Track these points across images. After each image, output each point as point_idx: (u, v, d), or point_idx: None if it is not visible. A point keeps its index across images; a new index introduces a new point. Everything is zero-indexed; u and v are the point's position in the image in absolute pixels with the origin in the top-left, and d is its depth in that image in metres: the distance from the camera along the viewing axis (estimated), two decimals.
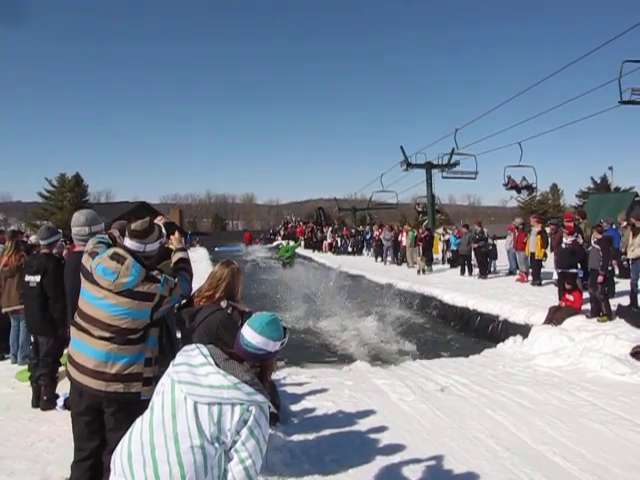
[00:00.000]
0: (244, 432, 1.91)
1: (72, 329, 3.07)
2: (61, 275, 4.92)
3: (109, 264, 2.88)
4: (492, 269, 16.78)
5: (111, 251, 2.95)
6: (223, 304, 3.19)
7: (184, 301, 3.29)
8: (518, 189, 23.06)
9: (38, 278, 5.53)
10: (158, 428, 1.91)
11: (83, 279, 3.01)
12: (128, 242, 3.02)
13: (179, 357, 2.04)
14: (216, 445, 1.89)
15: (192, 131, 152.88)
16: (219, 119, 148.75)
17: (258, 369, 2.09)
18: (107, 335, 2.89)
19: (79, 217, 3.94)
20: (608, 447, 4.77)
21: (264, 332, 2.05)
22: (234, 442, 1.91)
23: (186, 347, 2.09)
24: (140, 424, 1.97)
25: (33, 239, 9.01)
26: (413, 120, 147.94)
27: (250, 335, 2.05)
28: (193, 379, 1.92)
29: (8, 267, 7.06)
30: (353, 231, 32.86)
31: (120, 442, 2.01)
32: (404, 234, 21.73)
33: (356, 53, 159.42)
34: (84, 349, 2.96)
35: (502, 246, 16.99)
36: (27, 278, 5.67)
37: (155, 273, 2.97)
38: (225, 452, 1.93)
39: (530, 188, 23.31)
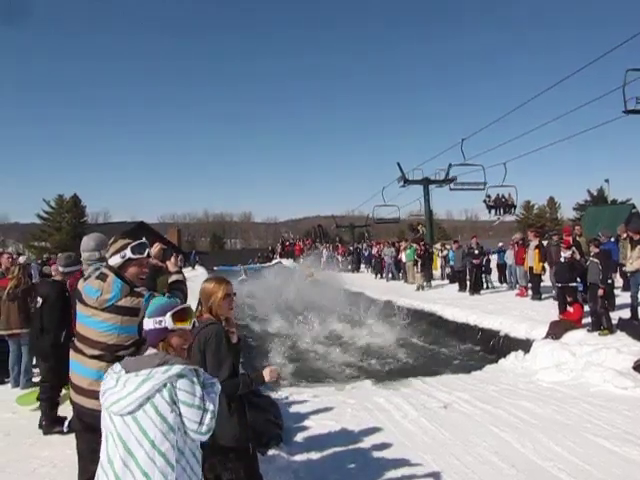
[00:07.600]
0: (181, 407, 2.07)
1: (70, 351, 3.14)
2: (60, 305, 4.92)
3: (94, 283, 2.99)
4: (488, 285, 16.76)
5: (98, 272, 3.05)
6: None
7: None
8: (498, 209, 24.73)
9: (40, 301, 5.54)
10: (114, 456, 2.04)
11: (77, 302, 3.10)
12: (111, 260, 3.12)
13: (101, 386, 2.16)
14: (169, 438, 2.02)
15: (190, 150, 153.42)
16: (216, 138, 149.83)
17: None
18: (97, 353, 2.95)
19: (89, 242, 3.93)
20: (613, 462, 4.74)
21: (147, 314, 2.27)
22: (180, 416, 2.07)
23: (105, 375, 2.21)
24: (105, 456, 2.09)
25: (22, 259, 9.05)
26: (410, 136, 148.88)
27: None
28: (117, 397, 2.05)
29: (7, 290, 7.05)
30: (351, 248, 32.85)
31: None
32: (403, 250, 21.76)
33: (354, 70, 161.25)
34: (79, 369, 3.03)
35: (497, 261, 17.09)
36: (38, 299, 5.70)
37: (140, 289, 3.03)
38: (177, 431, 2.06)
39: (509, 207, 24.70)
